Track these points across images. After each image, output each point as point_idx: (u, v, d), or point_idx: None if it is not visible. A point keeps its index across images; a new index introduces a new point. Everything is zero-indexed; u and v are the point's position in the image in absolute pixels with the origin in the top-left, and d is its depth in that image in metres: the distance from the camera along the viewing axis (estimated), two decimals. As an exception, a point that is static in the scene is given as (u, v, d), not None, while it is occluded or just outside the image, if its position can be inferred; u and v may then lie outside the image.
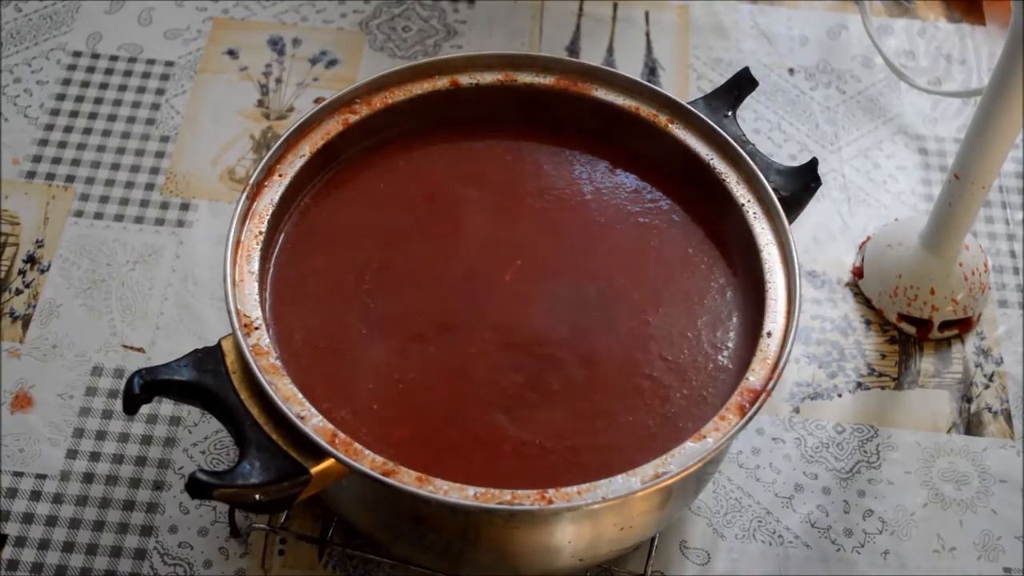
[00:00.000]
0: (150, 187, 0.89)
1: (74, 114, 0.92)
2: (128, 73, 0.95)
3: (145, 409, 0.78)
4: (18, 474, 0.76)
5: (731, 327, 0.67)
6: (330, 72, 0.96)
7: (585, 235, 0.70)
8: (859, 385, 0.83)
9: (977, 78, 0.99)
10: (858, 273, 0.87)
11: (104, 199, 0.88)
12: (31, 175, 0.89)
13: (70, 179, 0.89)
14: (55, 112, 0.92)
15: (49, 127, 0.91)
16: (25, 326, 0.82)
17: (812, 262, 0.88)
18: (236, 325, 0.62)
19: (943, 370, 0.84)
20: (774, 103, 0.97)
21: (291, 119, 0.92)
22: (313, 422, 0.60)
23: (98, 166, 0.90)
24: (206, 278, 0.84)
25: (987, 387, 0.83)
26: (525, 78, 0.75)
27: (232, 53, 0.97)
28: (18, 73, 0.94)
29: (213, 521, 0.75)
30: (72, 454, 0.77)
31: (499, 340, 0.66)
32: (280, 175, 0.70)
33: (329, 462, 0.59)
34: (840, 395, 0.82)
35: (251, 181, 0.68)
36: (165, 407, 0.79)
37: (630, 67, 0.98)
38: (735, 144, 0.71)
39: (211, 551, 0.73)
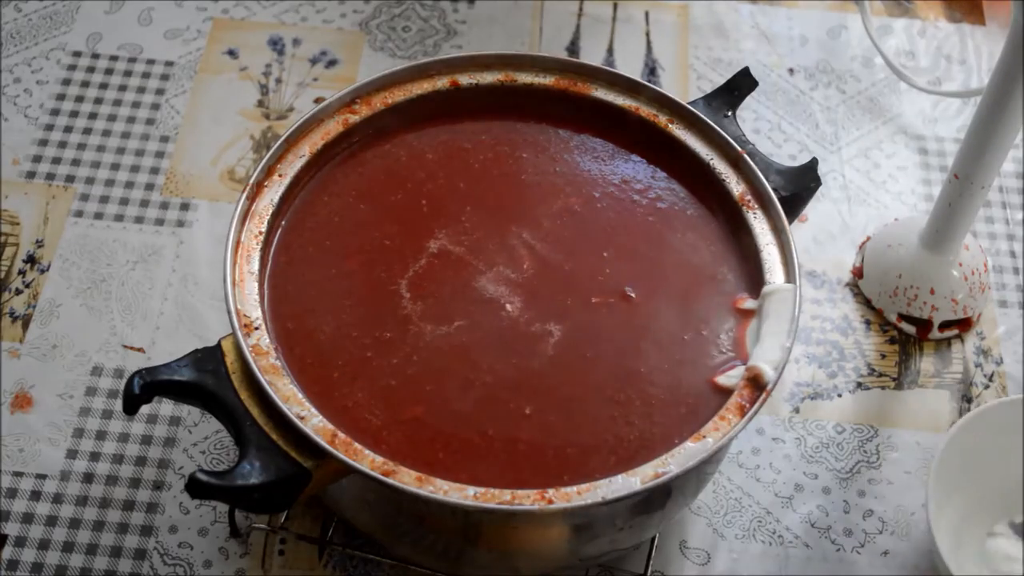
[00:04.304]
0: (150, 187, 0.89)
1: (74, 114, 0.92)
2: (128, 73, 0.95)
3: (145, 409, 0.78)
4: (18, 474, 0.76)
5: (731, 327, 0.67)
6: (330, 72, 0.96)
7: (585, 235, 0.70)
8: (859, 385, 0.83)
9: (977, 78, 0.99)
10: (858, 273, 0.87)
11: (104, 199, 0.88)
12: (31, 175, 0.89)
13: (70, 179, 0.89)
14: (55, 112, 0.92)
15: (49, 127, 0.91)
16: (25, 326, 0.82)
17: (812, 262, 0.88)
18: (236, 325, 0.62)
19: (943, 370, 0.84)
20: (774, 103, 0.97)
21: (291, 119, 0.93)
22: (313, 422, 0.60)
23: (98, 166, 0.90)
24: (206, 278, 0.84)
25: (987, 387, 0.83)
26: (525, 78, 0.75)
27: (232, 53, 0.97)
28: (18, 73, 0.94)
29: (213, 521, 0.75)
30: (72, 454, 0.77)
31: (499, 337, 0.66)
32: (280, 175, 0.70)
33: (329, 462, 0.59)
34: (840, 395, 0.82)
35: (251, 181, 0.68)
36: (165, 407, 0.79)
37: (630, 67, 0.98)
38: (735, 144, 0.71)
39: (211, 551, 0.73)
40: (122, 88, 0.94)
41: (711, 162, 0.72)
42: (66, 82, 0.94)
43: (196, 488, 0.57)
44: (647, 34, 1.00)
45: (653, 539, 0.73)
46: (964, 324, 0.85)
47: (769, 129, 0.95)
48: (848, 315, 0.86)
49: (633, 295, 0.68)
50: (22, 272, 0.84)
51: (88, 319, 0.82)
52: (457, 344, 0.65)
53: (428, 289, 0.67)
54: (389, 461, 0.59)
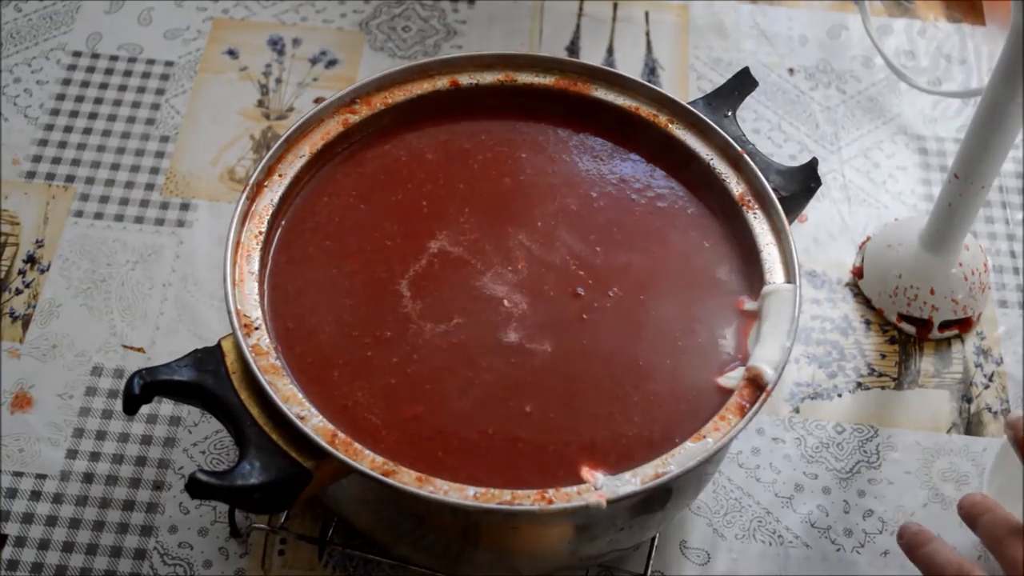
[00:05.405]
0: (150, 187, 0.89)
1: (74, 114, 0.92)
2: (128, 73, 0.95)
3: (145, 409, 0.78)
4: (18, 474, 0.76)
5: (732, 327, 0.67)
6: (330, 72, 0.96)
7: (586, 235, 0.70)
8: (859, 385, 0.83)
9: (977, 78, 0.99)
10: (858, 273, 0.87)
11: (104, 199, 0.88)
12: (31, 175, 0.89)
13: (70, 179, 0.89)
14: (55, 112, 0.92)
15: (49, 127, 0.91)
16: (25, 326, 0.82)
17: (812, 262, 0.88)
18: (236, 325, 0.62)
19: (943, 370, 0.84)
20: (774, 103, 0.97)
21: (291, 119, 0.92)
22: (313, 422, 0.60)
23: (98, 166, 0.90)
24: (206, 278, 0.84)
25: (987, 387, 0.83)
26: (525, 78, 0.75)
27: (232, 53, 0.97)
28: (18, 73, 0.94)
29: (213, 521, 0.75)
30: (72, 454, 0.77)
31: (498, 337, 0.66)
32: (280, 175, 0.70)
33: (329, 462, 0.59)
34: (840, 395, 0.82)
35: (251, 181, 0.68)
36: (165, 407, 0.79)
37: (630, 67, 0.98)
38: (735, 144, 0.71)
39: (211, 551, 0.73)
40: (122, 88, 0.94)
41: (711, 162, 0.72)
42: (66, 82, 0.94)
43: (196, 488, 0.57)
44: (647, 34, 1.00)
45: (653, 539, 0.73)
46: (964, 324, 0.85)
47: (769, 129, 0.95)
48: (848, 315, 0.86)
49: (631, 295, 0.68)
50: (22, 272, 0.84)
51: (88, 319, 0.82)
52: (457, 343, 0.65)
53: (428, 289, 0.67)
54: (389, 461, 0.59)
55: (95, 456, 0.77)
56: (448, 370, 0.64)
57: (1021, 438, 0.63)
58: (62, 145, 0.91)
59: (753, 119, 0.95)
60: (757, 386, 0.63)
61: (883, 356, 0.84)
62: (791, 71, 0.99)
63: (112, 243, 0.86)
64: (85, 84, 0.94)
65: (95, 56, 0.96)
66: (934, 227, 0.82)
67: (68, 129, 0.91)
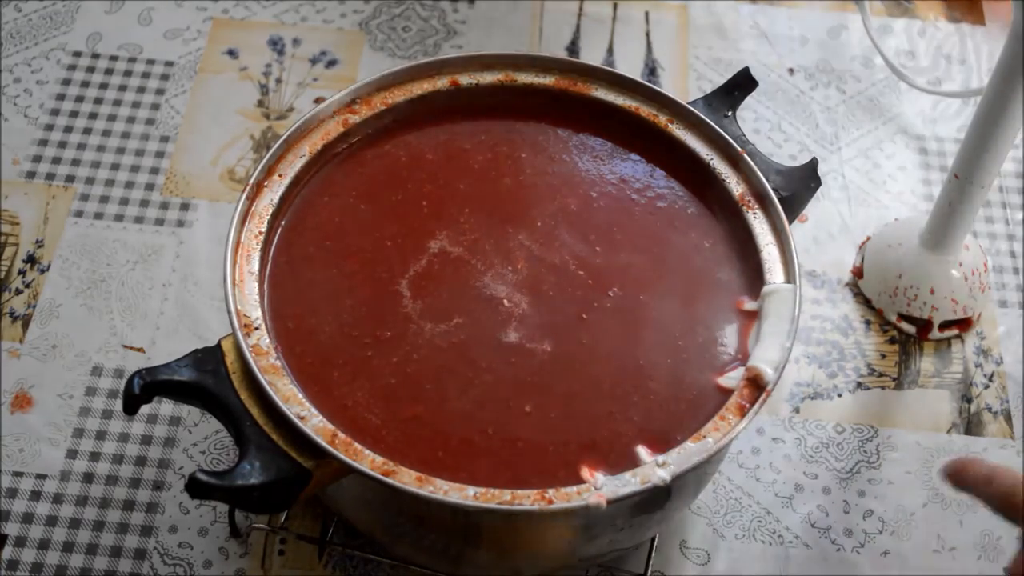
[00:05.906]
0: (150, 187, 0.89)
1: (74, 114, 0.92)
2: (128, 73, 0.95)
3: (145, 409, 0.78)
4: (18, 474, 0.76)
5: (732, 327, 0.67)
6: (330, 72, 0.96)
7: (585, 235, 0.70)
8: (859, 385, 0.83)
9: (977, 78, 0.99)
10: (858, 273, 0.87)
11: (104, 199, 0.88)
12: (31, 175, 0.89)
13: (70, 179, 0.89)
14: (55, 112, 0.92)
15: (49, 127, 0.91)
16: (25, 326, 0.82)
17: (812, 262, 0.88)
18: (236, 325, 0.62)
19: (943, 370, 0.84)
20: (774, 103, 0.97)
21: (291, 119, 0.92)
22: (313, 422, 0.60)
23: (98, 166, 0.90)
24: (206, 278, 0.84)
25: (987, 387, 0.83)
26: (525, 78, 0.75)
27: (232, 53, 0.97)
28: (18, 73, 0.94)
29: (213, 521, 0.75)
30: (72, 454, 0.77)
31: (498, 337, 0.66)
32: (280, 175, 0.70)
33: (329, 462, 0.59)
34: (840, 395, 0.82)
35: (251, 181, 0.68)
36: (165, 407, 0.79)
37: (630, 67, 0.98)
38: (735, 144, 0.71)
39: (211, 551, 0.73)
40: (122, 88, 0.94)
41: (711, 162, 0.72)
42: (66, 82, 0.94)
43: (196, 488, 0.57)
44: (647, 34, 1.00)
45: (653, 539, 0.73)
46: (964, 324, 0.85)
47: (769, 129, 0.95)
48: (848, 315, 0.86)
49: (631, 295, 0.68)
50: (22, 272, 0.84)
51: (88, 319, 0.82)
52: (457, 343, 0.65)
53: (428, 289, 0.67)
54: (389, 461, 0.59)
55: (95, 456, 0.77)
56: (448, 370, 0.64)
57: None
58: (62, 145, 0.91)
59: (753, 119, 0.95)
60: (757, 386, 0.63)
61: (883, 356, 0.84)
62: (791, 71, 0.99)
63: (112, 243, 0.86)
64: (85, 84, 0.94)
65: (95, 56, 0.96)
66: (934, 227, 0.82)
67: (68, 129, 0.91)
